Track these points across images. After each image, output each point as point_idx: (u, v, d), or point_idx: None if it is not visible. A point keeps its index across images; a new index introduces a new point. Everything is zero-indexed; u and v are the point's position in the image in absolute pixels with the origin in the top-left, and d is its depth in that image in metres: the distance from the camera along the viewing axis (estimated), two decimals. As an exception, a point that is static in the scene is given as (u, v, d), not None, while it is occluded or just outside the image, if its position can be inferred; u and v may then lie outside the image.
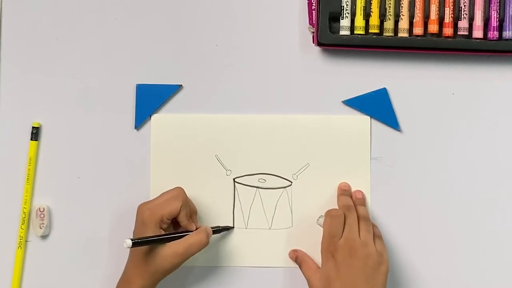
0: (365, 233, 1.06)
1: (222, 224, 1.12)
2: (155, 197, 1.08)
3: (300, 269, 1.10)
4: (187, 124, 1.12)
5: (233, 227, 1.13)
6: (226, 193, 1.12)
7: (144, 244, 1.04)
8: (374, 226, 1.09)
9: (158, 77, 1.13)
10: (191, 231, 1.07)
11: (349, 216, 1.07)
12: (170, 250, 1.04)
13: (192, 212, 1.09)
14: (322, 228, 1.08)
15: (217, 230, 1.11)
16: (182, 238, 1.06)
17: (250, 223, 1.13)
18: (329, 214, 1.08)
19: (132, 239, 1.02)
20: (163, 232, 1.05)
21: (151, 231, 1.04)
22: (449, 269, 1.12)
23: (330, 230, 1.06)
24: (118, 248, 1.12)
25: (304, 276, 1.09)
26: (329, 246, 1.05)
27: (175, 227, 1.09)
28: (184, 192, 1.08)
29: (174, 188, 1.09)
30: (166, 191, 1.08)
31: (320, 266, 1.07)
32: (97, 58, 1.13)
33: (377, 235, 1.08)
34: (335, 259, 1.04)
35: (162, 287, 1.07)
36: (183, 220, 1.07)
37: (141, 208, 1.06)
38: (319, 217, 1.09)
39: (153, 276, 1.05)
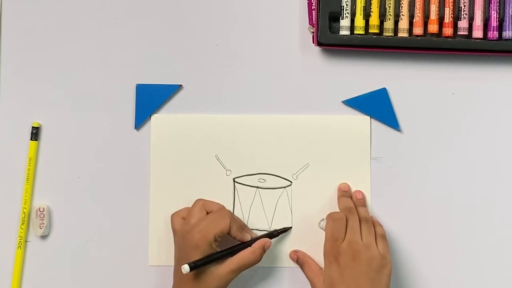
0: (367, 235, 1.06)
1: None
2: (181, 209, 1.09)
3: (302, 270, 1.10)
4: (187, 124, 1.12)
5: (291, 226, 1.12)
6: (226, 193, 1.12)
7: (202, 266, 1.02)
8: (378, 224, 1.09)
9: (158, 77, 1.12)
10: (247, 242, 1.07)
11: (351, 219, 1.07)
12: (226, 269, 1.04)
13: (241, 224, 1.09)
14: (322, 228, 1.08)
15: (274, 234, 1.10)
16: (237, 255, 1.05)
17: (250, 223, 1.12)
18: (330, 217, 1.07)
19: (189, 264, 1.00)
20: (217, 250, 1.04)
21: (205, 252, 1.03)
22: (450, 269, 1.12)
23: (332, 233, 1.06)
24: (118, 248, 1.12)
25: (307, 277, 1.09)
26: (332, 249, 1.05)
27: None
28: (226, 208, 1.08)
29: (218, 208, 1.08)
30: (206, 212, 1.08)
31: (322, 267, 1.07)
32: (97, 58, 1.12)
33: (380, 235, 1.07)
34: (339, 262, 1.04)
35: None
36: (236, 234, 1.07)
37: (189, 233, 1.04)
38: (321, 221, 1.08)
39: None
